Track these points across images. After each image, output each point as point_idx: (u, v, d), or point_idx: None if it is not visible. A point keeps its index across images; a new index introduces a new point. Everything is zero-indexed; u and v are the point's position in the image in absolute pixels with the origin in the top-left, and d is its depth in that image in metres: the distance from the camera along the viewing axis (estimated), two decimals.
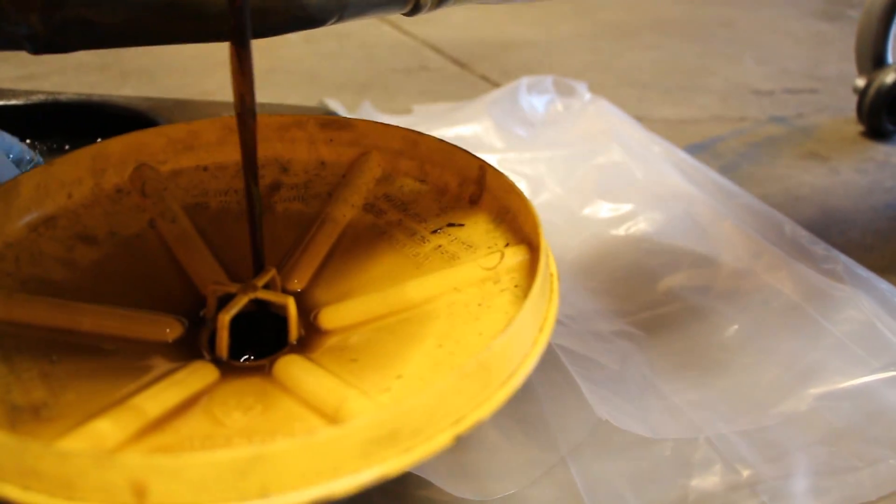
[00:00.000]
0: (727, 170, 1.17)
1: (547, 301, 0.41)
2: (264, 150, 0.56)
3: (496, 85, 1.49)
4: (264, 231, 0.52)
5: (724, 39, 1.79)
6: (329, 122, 0.56)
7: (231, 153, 0.57)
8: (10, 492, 0.30)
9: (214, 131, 0.56)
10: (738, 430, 0.62)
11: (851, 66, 1.32)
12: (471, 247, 0.48)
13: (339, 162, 0.56)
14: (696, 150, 1.23)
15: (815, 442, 0.62)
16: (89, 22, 0.45)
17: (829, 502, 0.57)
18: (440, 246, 0.49)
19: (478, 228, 0.49)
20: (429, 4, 0.56)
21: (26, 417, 0.37)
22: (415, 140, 0.54)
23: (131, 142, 0.55)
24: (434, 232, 0.50)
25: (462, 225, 0.50)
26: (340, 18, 0.53)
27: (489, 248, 0.48)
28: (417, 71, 1.52)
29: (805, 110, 1.43)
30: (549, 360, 0.66)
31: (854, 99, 1.32)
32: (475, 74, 1.53)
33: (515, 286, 0.44)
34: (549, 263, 0.43)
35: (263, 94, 1.23)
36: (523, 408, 0.63)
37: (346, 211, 0.53)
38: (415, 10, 0.57)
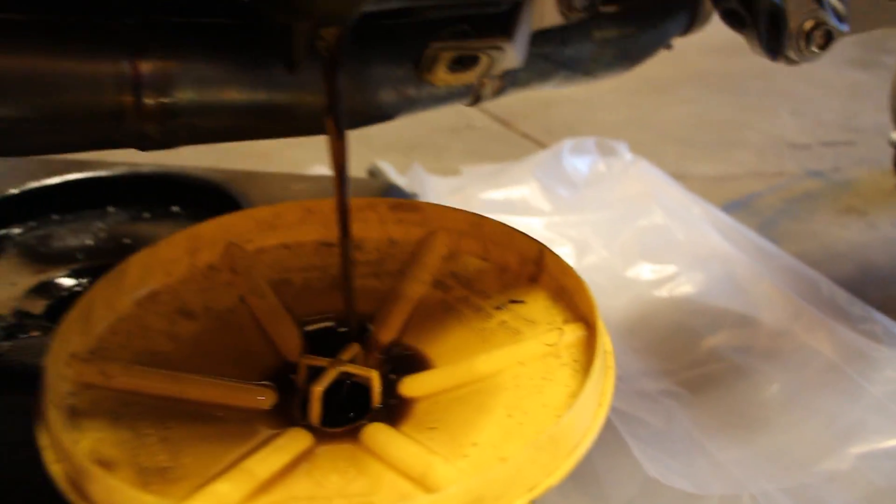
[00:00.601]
0: (765, 227, 1.21)
1: (604, 377, 0.46)
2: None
3: (539, 143, 1.55)
4: (343, 305, 0.58)
5: (760, 91, 1.83)
6: (398, 204, 0.62)
7: (310, 232, 0.63)
8: None
9: (295, 212, 0.62)
10: (782, 488, 0.66)
11: (888, 117, 1.35)
12: (532, 322, 0.53)
13: (408, 240, 0.61)
14: (734, 207, 1.28)
15: (857, 500, 0.66)
16: (197, 127, 0.51)
17: None
18: (504, 321, 0.54)
19: (537, 305, 0.55)
20: (489, 96, 0.62)
21: (155, 479, 0.43)
22: (478, 222, 0.59)
23: (221, 224, 0.61)
24: (498, 308, 0.55)
25: (523, 301, 0.55)
26: (409, 112, 0.60)
27: (549, 324, 0.53)
28: (463, 130, 1.59)
29: (842, 163, 1.46)
30: None
31: (891, 152, 1.35)
32: (518, 133, 1.59)
33: (574, 361, 0.50)
34: (605, 342, 0.48)
35: (319, 156, 1.30)
36: (577, 466, 0.67)
37: (416, 287, 0.58)
38: (476, 101, 0.63)
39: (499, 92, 0.64)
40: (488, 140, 1.55)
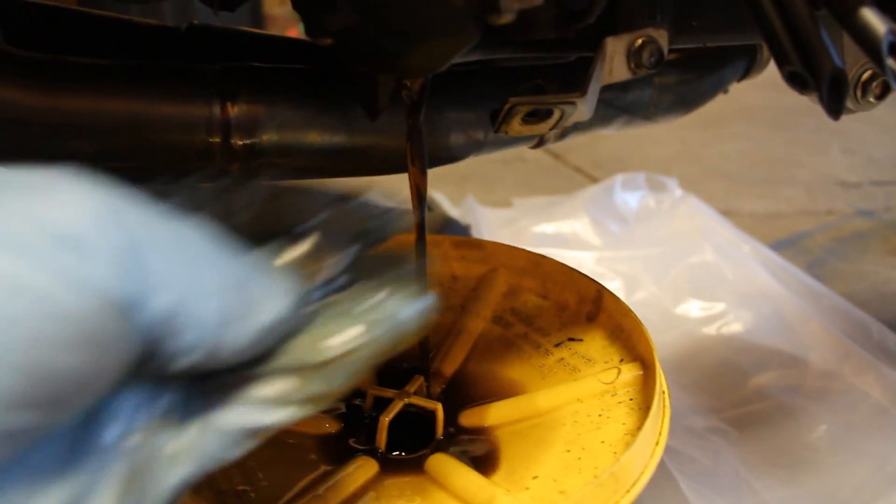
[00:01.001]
0: (814, 266, 1.21)
1: (661, 417, 0.48)
2: None
3: (589, 176, 1.57)
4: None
5: (811, 128, 1.83)
6: (461, 241, 0.64)
7: None
8: None
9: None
10: None
11: None
12: (589, 360, 0.55)
13: (469, 276, 0.64)
14: (783, 245, 1.28)
15: None
16: (277, 165, 0.54)
17: None
18: (562, 359, 0.56)
19: (595, 344, 0.57)
20: (551, 140, 0.65)
21: (232, 501, 0.45)
22: (538, 261, 0.61)
23: None
24: (556, 345, 0.57)
25: (581, 340, 0.57)
26: (478, 154, 0.62)
27: (606, 362, 0.55)
28: (514, 162, 1.61)
29: (892, 203, 1.46)
30: None
31: None
32: (569, 166, 1.61)
33: (631, 399, 0.51)
34: (661, 382, 0.50)
35: (371, 182, 1.33)
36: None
37: (477, 323, 0.61)
38: (539, 144, 0.65)
39: (561, 136, 0.67)
40: (539, 172, 1.58)
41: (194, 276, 0.30)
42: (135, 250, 0.28)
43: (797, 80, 0.43)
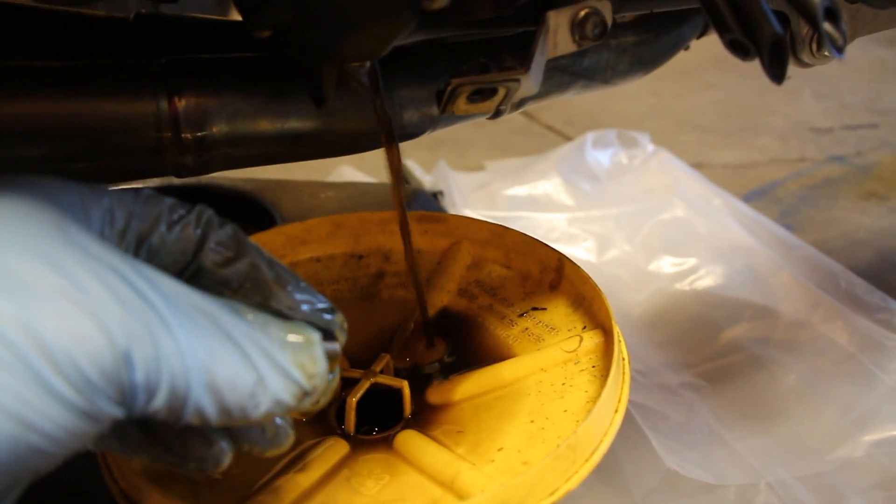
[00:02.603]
0: (786, 215, 1.22)
1: (620, 385, 0.49)
2: (369, 242, 0.65)
3: (562, 134, 1.57)
4: (374, 316, 0.61)
5: None
6: (424, 216, 0.65)
7: (339, 245, 0.66)
8: None
9: (325, 227, 0.66)
10: (798, 476, 0.69)
11: None
12: (553, 329, 0.56)
13: (434, 250, 0.64)
14: (755, 196, 1.29)
15: (872, 486, 0.68)
16: (231, 156, 0.55)
17: None
18: (527, 329, 0.57)
19: (558, 312, 0.58)
20: (508, 110, 0.65)
21: (205, 491, 0.46)
22: (500, 232, 0.62)
23: (256, 241, 0.63)
24: (521, 315, 0.58)
25: (545, 309, 0.58)
26: (433, 130, 0.63)
27: (569, 330, 0.56)
28: (486, 124, 1.61)
29: (864, 147, 1.47)
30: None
31: None
32: (541, 125, 1.61)
33: (593, 366, 0.52)
34: (621, 349, 0.51)
35: (342, 159, 1.33)
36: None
37: (442, 297, 0.61)
38: (496, 115, 0.65)
39: (517, 107, 0.67)
40: (511, 133, 1.58)
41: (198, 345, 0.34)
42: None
43: (738, 48, 0.43)
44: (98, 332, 0.30)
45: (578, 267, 0.57)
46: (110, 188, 0.39)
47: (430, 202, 1.01)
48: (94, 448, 0.38)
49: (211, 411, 0.34)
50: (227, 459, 0.39)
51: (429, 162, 1.34)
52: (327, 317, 0.41)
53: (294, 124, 0.54)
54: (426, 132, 0.62)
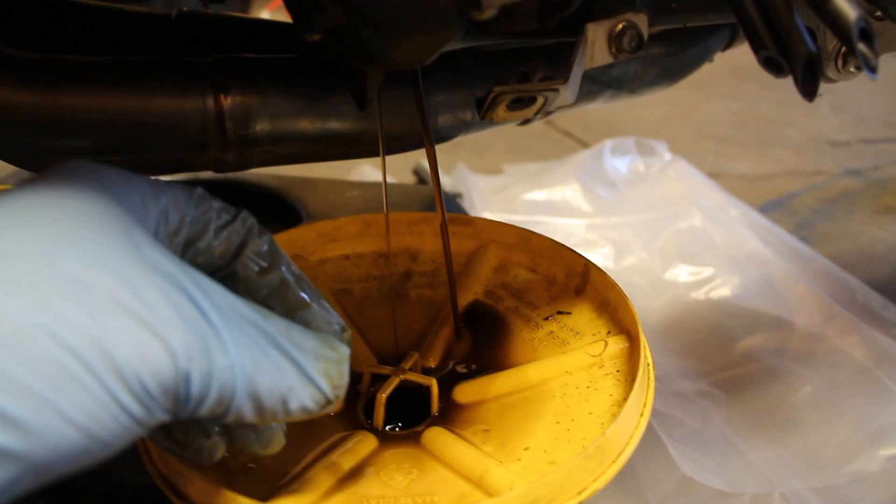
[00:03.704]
0: (802, 227, 1.23)
1: (646, 389, 0.50)
2: (396, 242, 0.67)
3: (579, 140, 1.58)
4: (401, 314, 0.62)
5: None
6: (452, 218, 0.66)
7: (368, 244, 0.67)
8: None
9: (355, 225, 0.67)
10: (811, 487, 0.70)
11: None
12: (577, 333, 0.58)
13: (461, 252, 0.66)
14: (771, 207, 1.30)
15: (886, 501, 0.69)
16: (272, 153, 0.56)
17: None
18: (552, 332, 0.58)
19: (583, 316, 0.59)
20: (538, 118, 0.66)
21: (240, 478, 0.48)
22: (527, 237, 0.63)
23: (287, 237, 0.65)
24: (546, 319, 0.59)
25: (569, 313, 0.59)
26: (466, 134, 0.64)
27: (594, 335, 0.57)
28: (505, 128, 1.61)
29: (881, 162, 1.47)
30: None
31: None
32: (559, 130, 1.62)
33: (617, 371, 0.54)
34: (646, 354, 0.52)
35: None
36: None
37: (468, 297, 0.62)
38: (525, 122, 0.67)
39: (546, 115, 0.68)
40: (529, 138, 1.59)
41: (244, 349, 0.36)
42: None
43: (772, 65, 0.44)
44: (163, 352, 0.33)
45: (604, 273, 0.58)
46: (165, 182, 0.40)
47: (452, 203, 1.03)
48: None
49: (248, 415, 0.37)
50: (219, 453, 0.42)
51: (447, 164, 1.35)
52: (343, 335, 0.44)
53: (333, 125, 0.55)
54: (458, 135, 0.63)
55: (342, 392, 0.41)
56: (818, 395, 0.80)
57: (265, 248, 0.43)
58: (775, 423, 0.78)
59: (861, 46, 0.43)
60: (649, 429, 0.74)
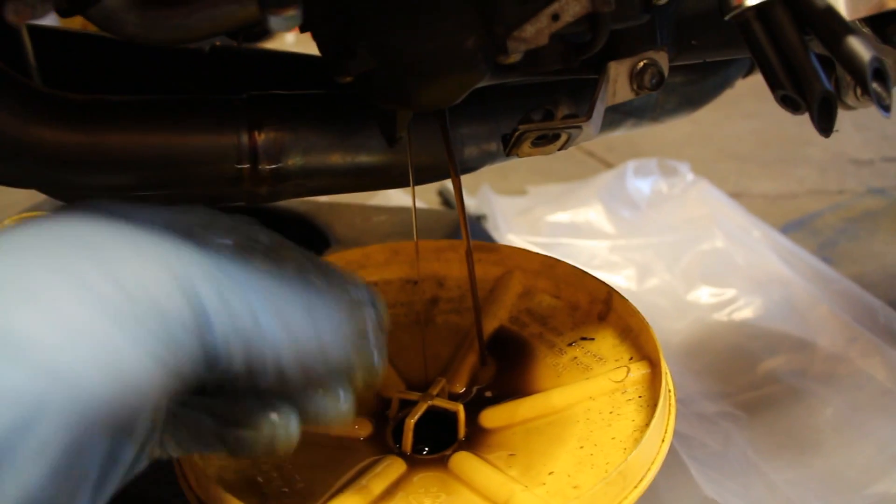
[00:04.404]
0: (825, 247, 1.23)
1: (667, 415, 0.51)
2: (424, 269, 0.68)
3: (602, 161, 1.59)
4: (428, 340, 0.64)
5: None
6: (477, 246, 0.68)
7: (396, 271, 0.69)
8: None
9: (383, 253, 0.69)
10: None
11: None
12: (601, 359, 0.59)
13: (486, 279, 0.67)
14: (794, 227, 1.30)
15: None
16: (303, 186, 0.58)
17: None
18: (576, 357, 0.60)
19: (606, 343, 0.60)
20: (556, 150, 0.68)
21: (273, 502, 0.49)
22: (552, 264, 0.65)
23: None
24: (570, 345, 0.61)
25: (593, 339, 0.61)
26: (491, 164, 0.66)
27: (616, 360, 0.58)
28: None
29: None
30: None
31: None
32: (582, 151, 1.64)
33: (640, 397, 0.55)
34: (667, 380, 0.53)
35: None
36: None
37: (494, 323, 0.64)
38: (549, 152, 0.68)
39: (563, 146, 0.70)
40: (552, 159, 1.57)
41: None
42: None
43: (789, 103, 0.46)
44: (176, 289, 0.34)
45: (626, 300, 0.60)
46: None
47: (476, 226, 1.04)
48: (167, 446, 0.40)
49: (290, 370, 0.38)
50: (295, 429, 0.40)
51: (471, 185, 1.37)
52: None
53: (364, 159, 0.57)
54: (483, 166, 0.65)
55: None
56: (840, 417, 0.81)
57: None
58: (798, 445, 0.78)
59: (875, 86, 0.45)
60: (671, 450, 0.75)
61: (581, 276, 0.63)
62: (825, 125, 0.45)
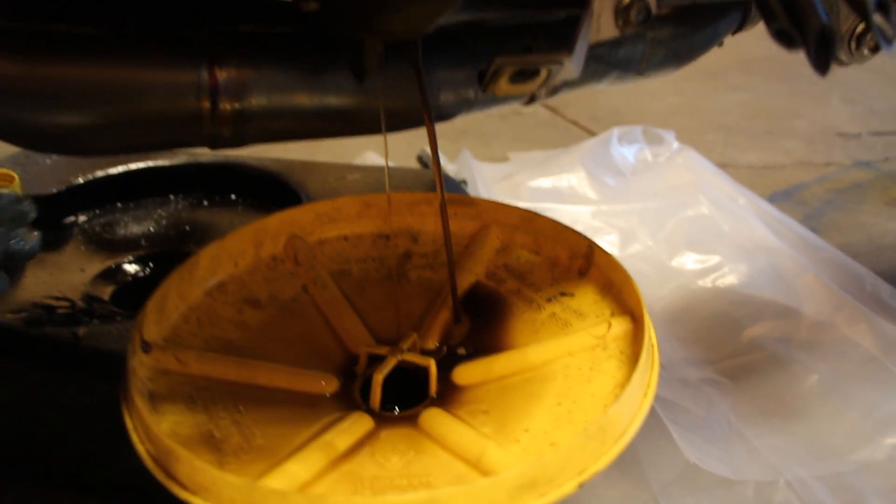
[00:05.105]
0: (811, 217, 1.22)
1: (650, 370, 0.49)
2: (397, 223, 0.66)
3: (587, 130, 1.56)
4: (401, 296, 0.61)
5: (812, 79, 1.78)
6: (454, 199, 0.65)
7: (367, 225, 0.66)
8: None
9: (354, 206, 0.66)
10: (817, 475, 0.68)
11: None
12: (581, 315, 0.56)
13: (462, 234, 0.64)
14: (780, 197, 1.28)
15: (891, 489, 0.68)
16: (268, 129, 0.55)
17: None
18: (554, 313, 0.57)
19: (586, 298, 0.58)
20: (543, 96, 0.65)
21: (230, 459, 0.47)
22: (530, 218, 0.62)
23: (284, 217, 0.64)
24: (549, 300, 0.58)
25: (573, 294, 0.58)
26: (468, 113, 0.63)
27: (597, 316, 0.56)
28: (511, 116, 1.61)
29: (892, 154, 1.45)
30: None
31: None
32: (566, 120, 1.61)
33: (621, 352, 0.52)
34: (650, 335, 0.51)
35: (368, 143, 1.34)
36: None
37: (470, 279, 0.61)
38: (531, 101, 0.65)
39: (553, 92, 0.67)
40: (536, 126, 1.57)
41: None
42: None
43: (784, 37, 0.43)
44: None
45: (608, 254, 0.57)
46: None
47: (456, 187, 1.01)
48: None
49: None
50: None
51: (452, 152, 1.34)
52: None
53: (332, 100, 0.54)
54: (461, 114, 0.62)
55: None
56: (825, 384, 0.79)
57: None
58: (781, 412, 0.76)
59: (877, 18, 0.42)
60: (654, 415, 0.73)
61: (561, 230, 0.61)
62: (822, 62, 0.43)
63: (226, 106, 0.51)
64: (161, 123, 0.52)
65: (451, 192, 0.97)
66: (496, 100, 0.63)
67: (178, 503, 0.43)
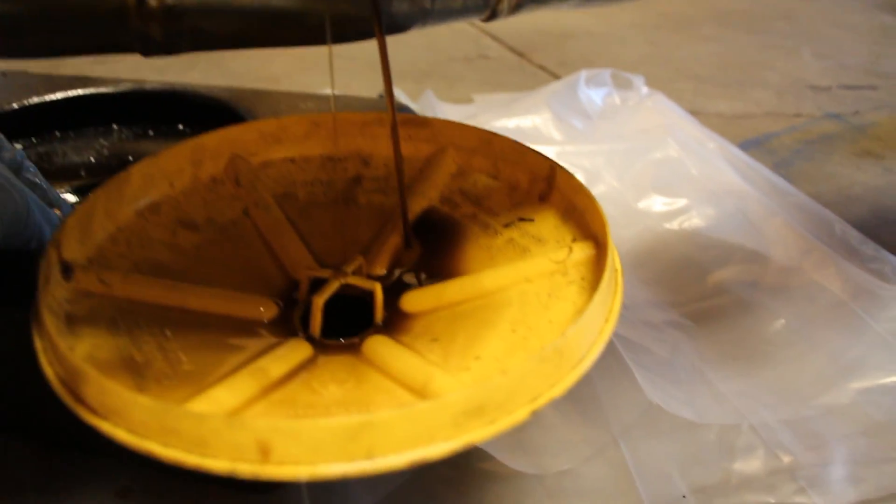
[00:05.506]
0: (780, 167, 1.19)
1: (612, 294, 0.45)
2: (348, 145, 0.61)
3: (554, 75, 1.52)
4: (349, 221, 0.57)
5: (784, 32, 1.78)
6: (408, 119, 0.60)
7: (315, 147, 0.61)
8: (153, 448, 0.35)
9: (301, 126, 0.61)
10: (781, 419, 0.66)
11: None
12: (540, 241, 0.53)
13: (417, 157, 0.60)
14: (750, 146, 1.25)
15: (855, 433, 0.66)
16: (203, 30, 0.50)
17: (866, 491, 0.61)
18: (512, 239, 0.53)
19: (547, 223, 0.54)
20: (505, 11, 0.60)
21: (151, 384, 0.42)
22: (489, 139, 0.58)
23: (226, 135, 0.59)
24: (506, 226, 0.54)
25: (532, 220, 0.54)
26: (423, 25, 0.58)
27: (557, 242, 0.52)
28: (477, 60, 1.56)
29: (862, 107, 1.44)
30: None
31: None
32: (534, 64, 1.56)
33: (582, 279, 0.49)
34: (614, 259, 0.47)
35: (326, 80, 1.29)
36: (579, 390, 0.66)
37: (423, 203, 0.57)
38: (492, 16, 0.61)
39: (516, 8, 0.62)
40: (503, 71, 1.53)
41: None
42: None
43: None
44: None
45: (572, 175, 0.53)
46: None
47: (412, 113, 0.97)
48: None
49: None
50: None
51: (415, 93, 1.29)
52: None
53: (274, 0, 0.49)
54: (415, 26, 0.57)
55: None
56: (792, 329, 0.76)
57: None
58: (747, 356, 0.74)
59: None
60: (615, 355, 0.70)
61: (522, 152, 0.57)
62: None
63: (153, 0, 0.46)
64: (83, 18, 0.47)
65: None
66: (454, 12, 0.58)
67: (93, 433, 0.39)
